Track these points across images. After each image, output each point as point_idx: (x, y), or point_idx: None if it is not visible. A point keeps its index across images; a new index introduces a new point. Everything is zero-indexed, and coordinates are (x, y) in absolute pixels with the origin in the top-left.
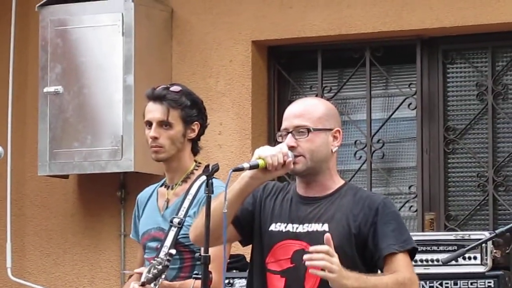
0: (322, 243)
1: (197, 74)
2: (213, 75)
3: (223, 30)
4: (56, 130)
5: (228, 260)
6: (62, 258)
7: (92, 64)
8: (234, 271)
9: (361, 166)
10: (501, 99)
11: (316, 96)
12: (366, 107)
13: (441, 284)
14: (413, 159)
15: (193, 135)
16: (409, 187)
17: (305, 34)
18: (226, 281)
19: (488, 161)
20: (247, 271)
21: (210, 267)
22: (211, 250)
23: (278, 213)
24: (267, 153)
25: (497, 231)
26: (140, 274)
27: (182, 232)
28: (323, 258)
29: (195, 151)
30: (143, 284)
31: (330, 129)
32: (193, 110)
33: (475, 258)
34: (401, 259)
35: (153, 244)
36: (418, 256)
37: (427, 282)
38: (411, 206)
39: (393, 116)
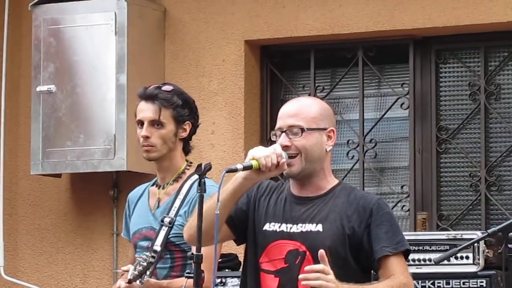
0: (315, 243)
1: (190, 74)
2: (206, 75)
3: (216, 29)
4: (49, 129)
5: (220, 260)
6: (54, 257)
7: (85, 63)
8: (227, 270)
9: (353, 165)
10: (494, 99)
11: (309, 95)
12: (358, 107)
13: (433, 284)
14: (406, 159)
15: (184, 134)
16: (402, 187)
17: (297, 34)
18: (218, 280)
19: (481, 161)
20: (241, 270)
21: (202, 266)
22: (203, 249)
23: (272, 213)
24: (260, 154)
25: (489, 231)
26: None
27: (173, 231)
28: (318, 278)
29: (186, 150)
30: (129, 282)
31: (324, 129)
32: (184, 110)
33: (467, 257)
34: (395, 262)
35: (144, 243)
36: (410, 256)
37: (419, 282)
38: (404, 206)
39: (385, 116)
